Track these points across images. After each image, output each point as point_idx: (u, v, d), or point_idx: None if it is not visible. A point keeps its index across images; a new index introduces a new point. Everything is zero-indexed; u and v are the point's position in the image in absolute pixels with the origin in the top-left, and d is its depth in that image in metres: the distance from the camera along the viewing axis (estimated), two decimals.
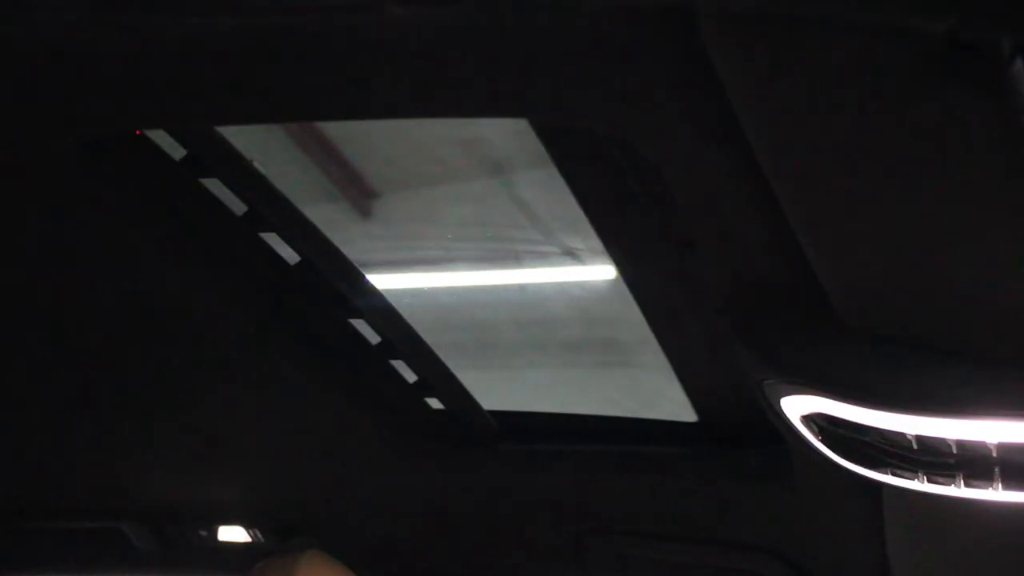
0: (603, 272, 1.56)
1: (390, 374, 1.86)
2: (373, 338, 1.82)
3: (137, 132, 1.46)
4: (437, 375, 1.86)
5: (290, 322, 1.75)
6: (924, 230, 1.08)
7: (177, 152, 1.49)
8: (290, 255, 1.68)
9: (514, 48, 1.06)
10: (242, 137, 1.55)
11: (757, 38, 0.88)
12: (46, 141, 1.36)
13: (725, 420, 1.85)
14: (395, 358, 1.83)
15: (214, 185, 1.55)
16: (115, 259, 1.63)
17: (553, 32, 1.02)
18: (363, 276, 1.72)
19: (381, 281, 1.99)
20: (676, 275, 1.58)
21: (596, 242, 1.57)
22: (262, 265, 1.66)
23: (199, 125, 1.43)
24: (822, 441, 1.48)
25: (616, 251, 1.60)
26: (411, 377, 1.90)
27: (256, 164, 1.53)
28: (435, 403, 1.94)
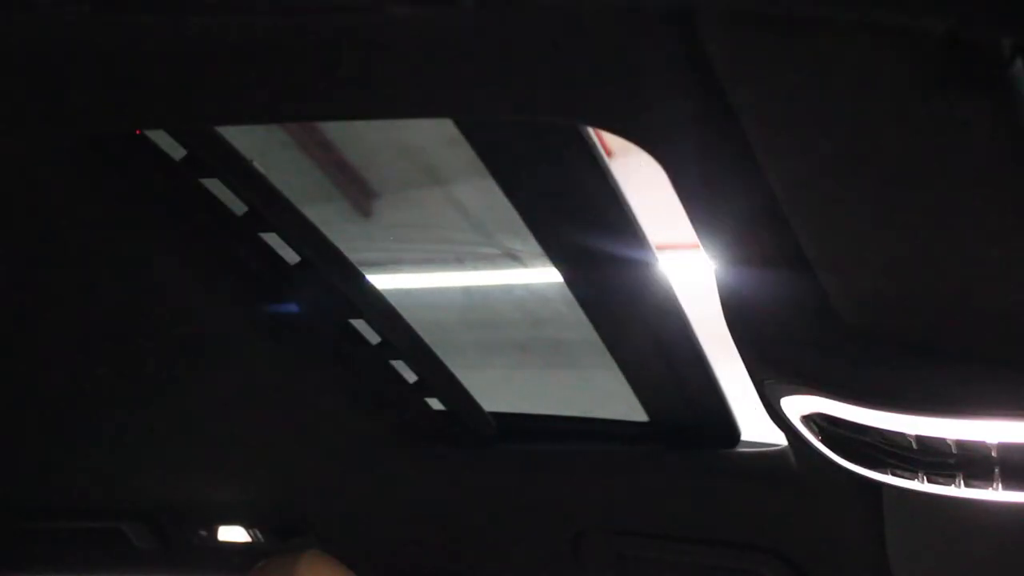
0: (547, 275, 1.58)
1: (390, 374, 1.86)
2: (373, 338, 1.82)
3: (137, 132, 1.46)
4: (437, 375, 1.86)
5: (290, 322, 1.75)
6: (924, 230, 1.08)
7: (177, 152, 1.49)
8: (290, 255, 1.68)
9: (514, 48, 1.06)
10: (241, 137, 1.55)
11: (757, 38, 0.88)
12: (46, 141, 1.36)
13: (675, 420, 1.86)
14: (395, 358, 1.83)
15: (214, 185, 1.55)
16: (115, 259, 1.63)
17: (553, 32, 1.02)
18: (363, 276, 1.72)
19: None
20: (616, 276, 1.60)
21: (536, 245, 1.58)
22: (262, 265, 1.66)
23: (199, 125, 1.43)
24: (822, 441, 1.48)
25: (556, 254, 1.60)
26: (411, 377, 1.90)
27: (256, 164, 1.53)
28: (435, 403, 1.94)
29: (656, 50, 0.99)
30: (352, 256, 1.67)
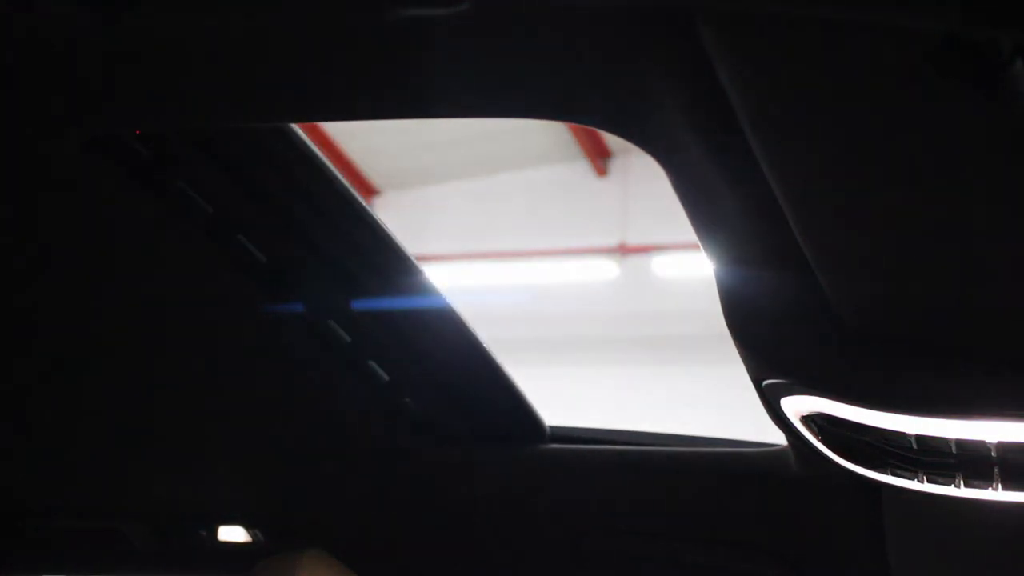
0: None
1: (368, 374, 1.87)
2: (372, 338, 1.82)
3: (137, 132, 1.46)
4: (410, 375, 1.89)
5: (288, 323, 1.76)
6: (924, 230, 1.08)
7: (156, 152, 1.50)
8: (287, 256, 1.68)
9: (515, 48, 1.06)
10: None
11: (757, 38, 0.88)
12: (47, 140, 1.36)
13: (479, 421, 1.95)
14: (370, 358, 1.85)
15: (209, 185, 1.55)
16: (114, 260, 1.63)
17: (554, 33, 1.02)
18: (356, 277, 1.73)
19: None
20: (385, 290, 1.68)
21: None
22: (262, 266, 1.66)
23: (199, 125, 1.43)
24: (822, 441, 1.48)
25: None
26: (410, 377, 1.91)
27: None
28: (424, 405, 1.96)
29: (656, 51, 0.99)
30: None
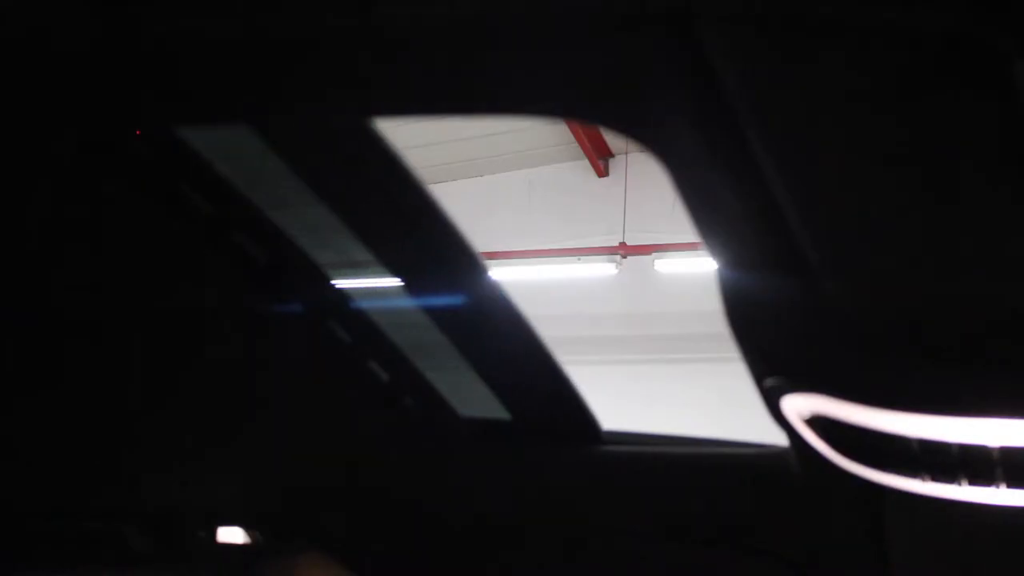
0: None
1: (368, 374, 1.87)
2: (372, 338, 1.82)
3: (137, 132, 1.46)
4: (408, 376, 1.88)
5: (288, 323, 1.76)
6: (925, 230, 1.08)
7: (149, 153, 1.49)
8: (285, 257, 1.68)
9: (516, 49, 1.06)
10: None
11: (758, 38, 0.88)
12: (46, 141, 1.36)
13: (533, 419, 1.90)
14: (369, 359, 1.85)
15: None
16: (114, 259, 1.63)
17: (555, 33, 1.02)
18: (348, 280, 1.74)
19: None
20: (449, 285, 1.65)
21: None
22: (261, 266, 1.66)
23: (199, 125, 1.43)
24: (823, 442, 1.48)
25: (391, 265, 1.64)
26: (408, 378, 1.91)
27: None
28: (422, 405, 1.96)
29: (657, 51, 0.99)
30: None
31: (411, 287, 1.69)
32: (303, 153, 1.45)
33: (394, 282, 1.69)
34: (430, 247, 1.60)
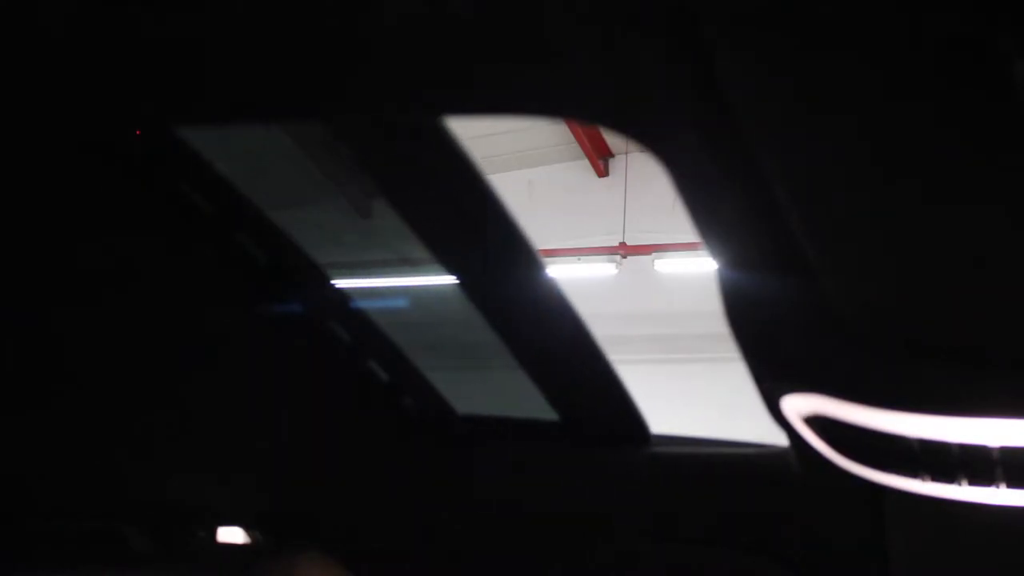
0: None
1: (368, 374, 1.87)
2: (372, 338, 1.82)
3: (137, 132, 1.46)
4: (407, 376, 1.88)
5: (288, 323, 1.76)
6: (925, 230, 1.08)
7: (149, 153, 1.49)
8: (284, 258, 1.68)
9: (516, 48, 1.06)
10: None
11: (759, 37, 0.88)
12: (46, 141, 1.36)
13: (583, 420, 1.88)
14: (369, 359, 1.84)
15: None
16: (114, 259, 1.62)
17: (556, 32, 1.02)
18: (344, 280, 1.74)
19: None
20: (506, 282, 1.63)
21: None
22: (261, 266, 1.66)
23: (199, 125, 1.43)
24: (823, 442, 1.48)
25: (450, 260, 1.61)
26: (407, 379, 1.91)
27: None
28: (422, 405, 1.95)
29: (657, 50, 0.99)
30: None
31: (467, 285, 1.66)
32: (367, 148, 1.42)
33: (449, 279, 1.65)
34: (489, 243, 1.57)
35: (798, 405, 1.42)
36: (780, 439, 1.72)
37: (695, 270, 10.06)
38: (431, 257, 1.59)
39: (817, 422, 1.45)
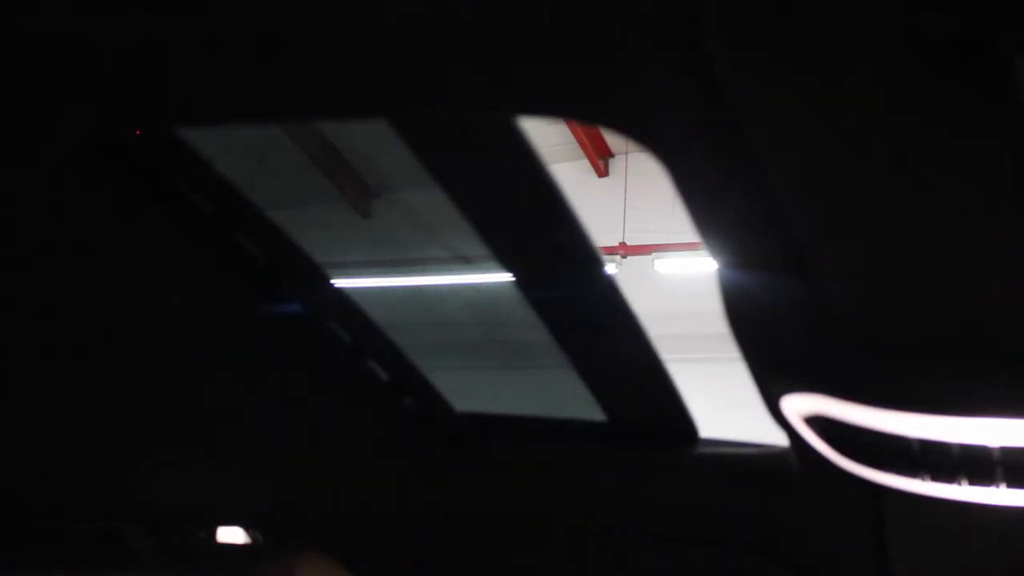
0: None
1: (368, 374, 1.87)
2: (372, 338, 1.82)
3: (137, 132, 1.46)
4: (408, 376, 1.88)
5: (288, 323, 1.76)
6: (926, 231, 1.08)
7: (149, 153, 1.49)
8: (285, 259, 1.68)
9: (516, 48, 1.06)
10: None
11: (759, 37, 0.88)
12: (46, 141, 1.36)
13: (632, 420, 1.87)
14: (369, 359, 1.84)
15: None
16: (113, 260, 1.62)
17: (556, 32, 1.02)
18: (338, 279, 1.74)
19: None
20: (565, 279, 1.61)
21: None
22: (261, 266, 1.66)
23: (199, 125, 1.43)
24: (823, 442, 1.48)
25: (504, 257, 1.60)
26: (407, 379, 1.91)
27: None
28: (422, 405, 1.95)
29: (658, 49, 0.99)
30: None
31: (525, 283, 1.64)
32: (432, 144, 1.39)
33: (505, 277, 1.62)
34: (551, 240, 1.55)
35: (798, 405, 1.42)
36: (780, 439, 1.72)
37: (695, 270, 10.05)
38: (488, 254, 1.56)
39: (817, 422, 1.45)
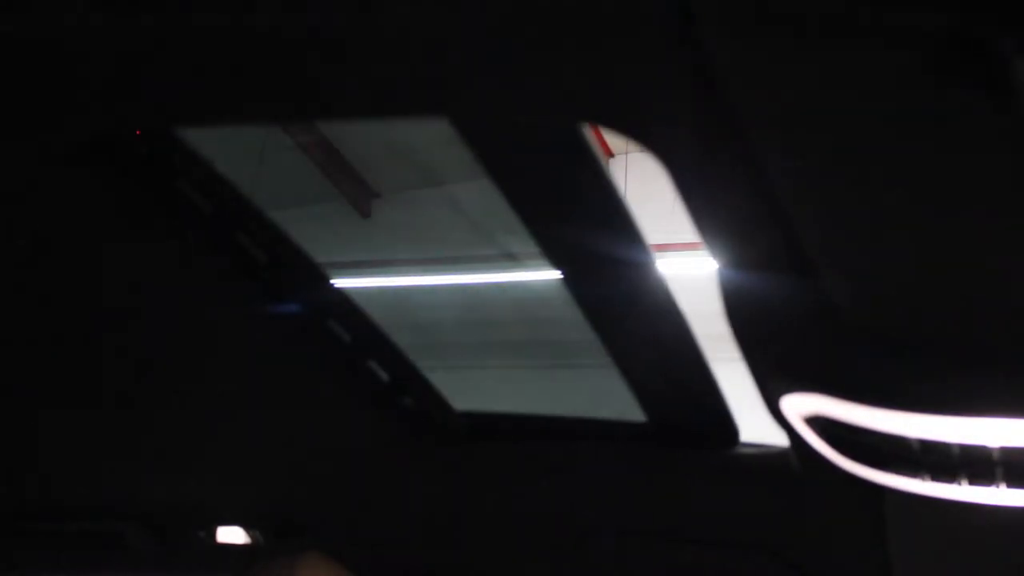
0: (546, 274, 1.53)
1: (367, 374, 1.87)
2: (372, 338, 1.82)
3: (137, 132, 1.46)
4: (407, 376, 1.88)
5: (288, 323, 1.76)
6: (926, 229, 1.08)
7: (149, 153, 1.49)
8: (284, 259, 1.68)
9: (516, 48, 1.06)
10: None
11: (757, 38, 0.88)
12: (46, 141, 1.36)
13: (674, 421, 1.86)
14: (368, 359, 1.84)
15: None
16: (114, 259, 1.63)
17: (555, 33, 1.02)
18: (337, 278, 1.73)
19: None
20: (614, 276, 1.59)
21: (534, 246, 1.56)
22: (261, 266, 1.66)
23: (199, 125, 1.43)
24: (823, 442, 1.48)
25: (554, 254, 1.59)
26: (407, 379, 1.91)
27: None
28: (422, 404, 1.95)
29: (657, 50, 0.99)
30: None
31: (573, 281, 1.62)
32: (489, 141, 1.37)
33: (554, 274, 1.59)
34: (603, 238, 1.53)
35: (798, 405, 1.42)
36: (780, 439, 1.72)
37: (695, 270, 10.05)
38: (538, 250, 1.55)
39: (817, 422, 1.45)
